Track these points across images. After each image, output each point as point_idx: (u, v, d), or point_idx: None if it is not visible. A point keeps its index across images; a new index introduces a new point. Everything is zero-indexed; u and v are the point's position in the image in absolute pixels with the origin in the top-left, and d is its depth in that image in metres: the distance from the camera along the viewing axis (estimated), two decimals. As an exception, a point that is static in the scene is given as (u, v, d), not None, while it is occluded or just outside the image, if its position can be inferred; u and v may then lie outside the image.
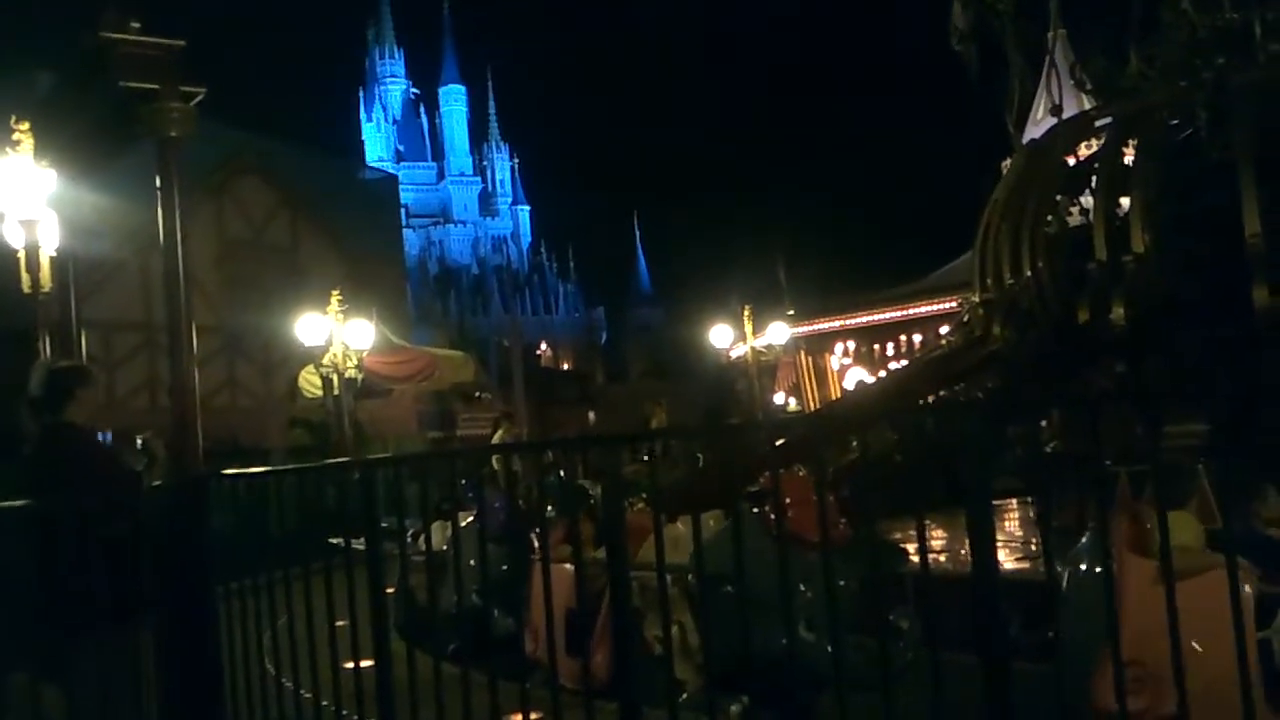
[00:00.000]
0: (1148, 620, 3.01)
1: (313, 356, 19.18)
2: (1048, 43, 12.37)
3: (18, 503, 4.79)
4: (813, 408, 21.22)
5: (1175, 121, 8.83)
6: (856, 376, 21.48)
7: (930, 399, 9.22)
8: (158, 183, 5.12)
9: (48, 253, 8.57)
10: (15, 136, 8.39)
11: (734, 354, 26.21)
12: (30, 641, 4.77)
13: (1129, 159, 8.94)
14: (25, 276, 8.51)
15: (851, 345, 22.06)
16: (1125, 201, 8.64)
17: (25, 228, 8.55)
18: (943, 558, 7.44)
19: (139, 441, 9.61)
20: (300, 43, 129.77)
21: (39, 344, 7.97)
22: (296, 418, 23.31)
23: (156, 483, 5.65)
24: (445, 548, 6.14)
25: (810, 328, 22.74)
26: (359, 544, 4.41)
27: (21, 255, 8.59)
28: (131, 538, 4.94)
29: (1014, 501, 9.70)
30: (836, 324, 22.31)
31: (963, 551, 8.09)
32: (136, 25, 5.04)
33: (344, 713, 4.27)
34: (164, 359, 23.04)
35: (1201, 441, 3.95)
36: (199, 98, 5.13)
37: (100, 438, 6.88)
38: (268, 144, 30.20)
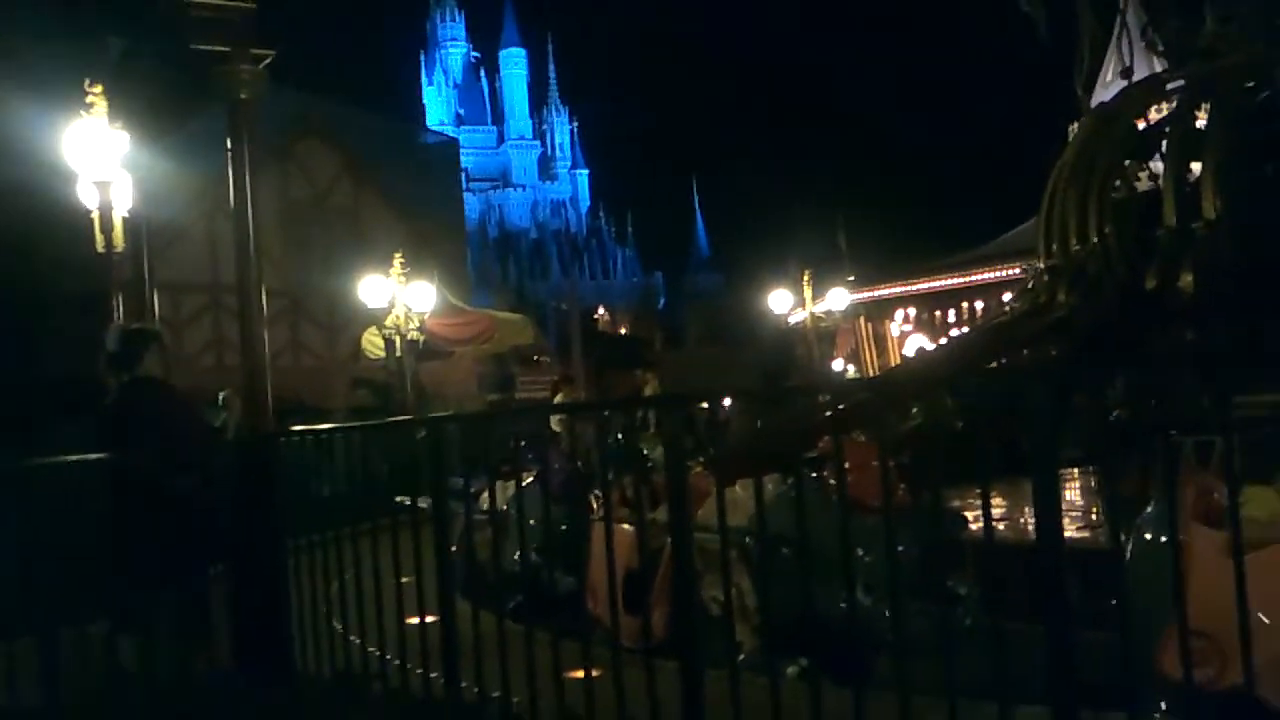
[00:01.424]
0: (1215, 591, 2.98)
1: (375, 318, 19.41)
2: (1119, 2, 12.09)
3: (92, 456, 4.91)
4: (872, 374, 21.10)
5: (1251, 85, 8.61)
6: (917, 343, 21.33)
7: (993, 366, 9.12)
8: (228, 145, 5.18)
9: (120, 214, 8.74)
10: (89, 99, 8.54)
11: (793, 320, 26.09)
12: (106, 593, 4.91)
13: (1201, 123, 8.73)
14: (99, 237, 8.69)
15: (912, 312, 21.88)
16: (1196, 167, 8.45)
17: (99, 189, 8.72)
18: (1001, 525, 7.39)
19: (220, 397, 9.81)
20: (362, 5, 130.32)
21: (113, 304, 8.14)
22: (359, 378, 23.61)
23: (230, 438, 5.78)
24: (506, 507, 6.22)
25: (870, 294, 22.57)
26: (422, 502, 4.49)
27: (95, 216, 8.77)
28: (203, 491, 5.07)
29: (1074, 471, 9.61)
30: (897, 290, 22.12)
31: (1022, 520, 8.04)
32: (209, -12, 5.10)
33: (408, 667, 4.36)
34: (229, 320, 23.36)
35: (1273, 411, 3.89)
36: (269, 60, 5.18)
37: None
38: (331, 107, 30.44)
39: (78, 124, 8.70)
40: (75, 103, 8.76)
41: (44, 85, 10.65)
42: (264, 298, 5.31)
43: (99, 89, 8.48)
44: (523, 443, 5.57)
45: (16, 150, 10.64)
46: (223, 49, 5.06)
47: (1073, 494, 9.64)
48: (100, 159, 8.62)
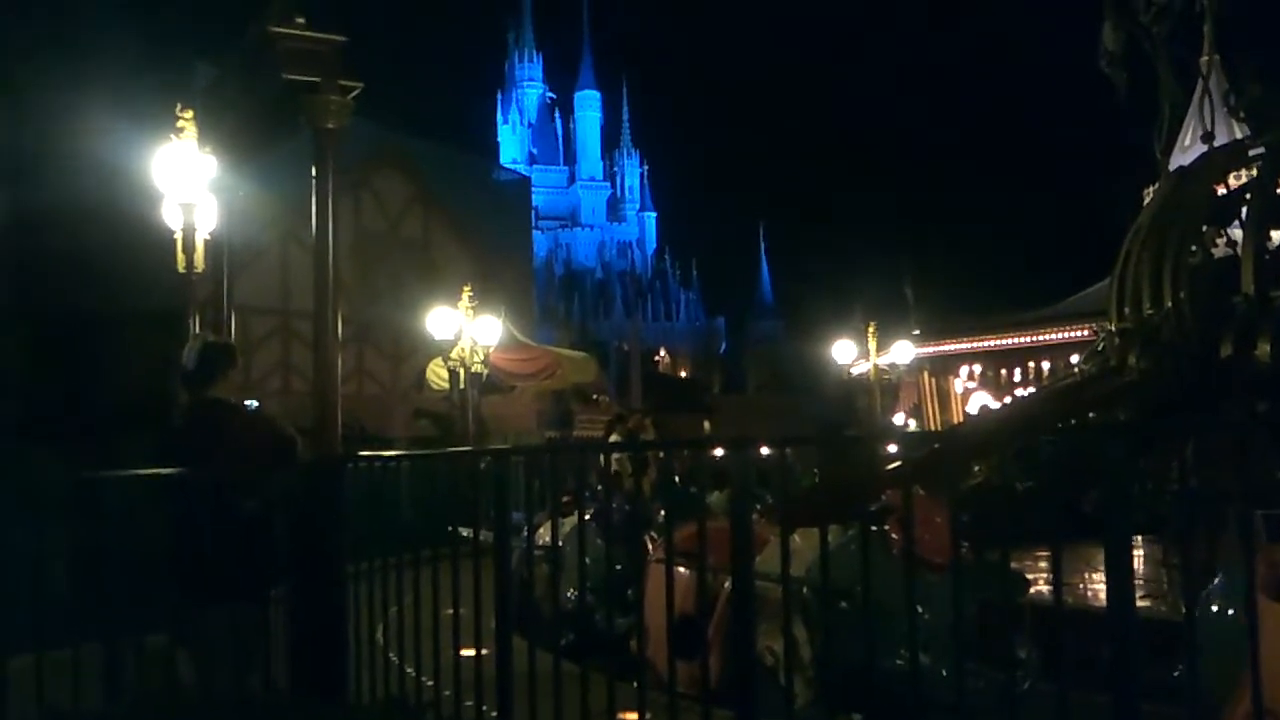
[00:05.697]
0: (1282, 667, 2.91)
1: (441, 349, 19.55)
2: (1201, 68, 11.96)
3: (161, 471, 5.00)
4: (934, 429, 20.86)
5: (1335, 154, 8.48)
6: (980, 401, 21.08)
7: (1060, 427, 8.98)
8: (313, 172, 5.29)
9: (203, 235, 8.94)
10: (179, 123, 8.76)
11: (856, 371, 25.90)
12: (166, 606, 4.97)
13: (1283, 191, 8.60)
14: (181, 257, 8.89)
15: (977, 369, 21.65)
16: (1277, 235, 8.32)
17: (184, 210, 8.93)
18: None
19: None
20: (443, 44, 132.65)
21: (190, 323, 8.30)
22: (421, 409, 23.78)
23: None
24: (561, 544, 6.22)
25: (935, 348, 22.38)
26: (468, 532, 4.50)
27: (179, 237, 8.97)
28: (268, 513, 5.13)
29: (1138, 539, 9.44)
30: (963, 346, 21.91)
31: (1081, 585, 7.84)
32: (301, 20, 5.23)
33: (448, 695, 4.35)
34: (297, 344, 23.46)
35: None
36: (356, 92, 5.29)
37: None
38: (407, 140, 30.85)
39: (166, 147, 8.92)
40: (164, 126, 8.99)
41: (133, 109, 10.93)
42: (339, 325, 5.39)
43: (190, 114, 8.69)
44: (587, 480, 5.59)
45: (104, 170, 10.93)
46: (313, 79, 5.18)
47: (1136, 562, 9.45)
48: (187, 181, 8.83)
